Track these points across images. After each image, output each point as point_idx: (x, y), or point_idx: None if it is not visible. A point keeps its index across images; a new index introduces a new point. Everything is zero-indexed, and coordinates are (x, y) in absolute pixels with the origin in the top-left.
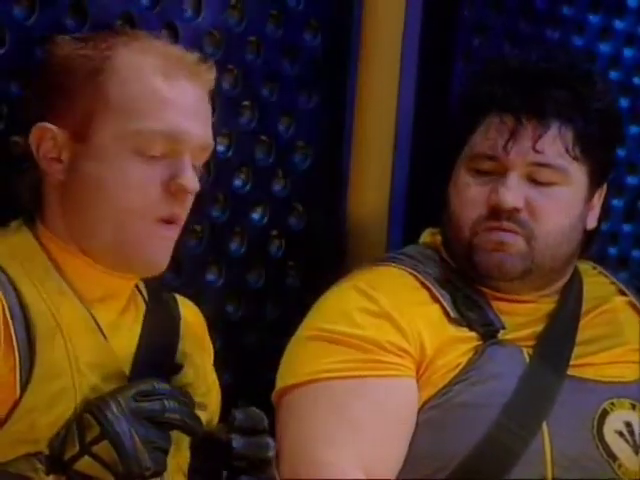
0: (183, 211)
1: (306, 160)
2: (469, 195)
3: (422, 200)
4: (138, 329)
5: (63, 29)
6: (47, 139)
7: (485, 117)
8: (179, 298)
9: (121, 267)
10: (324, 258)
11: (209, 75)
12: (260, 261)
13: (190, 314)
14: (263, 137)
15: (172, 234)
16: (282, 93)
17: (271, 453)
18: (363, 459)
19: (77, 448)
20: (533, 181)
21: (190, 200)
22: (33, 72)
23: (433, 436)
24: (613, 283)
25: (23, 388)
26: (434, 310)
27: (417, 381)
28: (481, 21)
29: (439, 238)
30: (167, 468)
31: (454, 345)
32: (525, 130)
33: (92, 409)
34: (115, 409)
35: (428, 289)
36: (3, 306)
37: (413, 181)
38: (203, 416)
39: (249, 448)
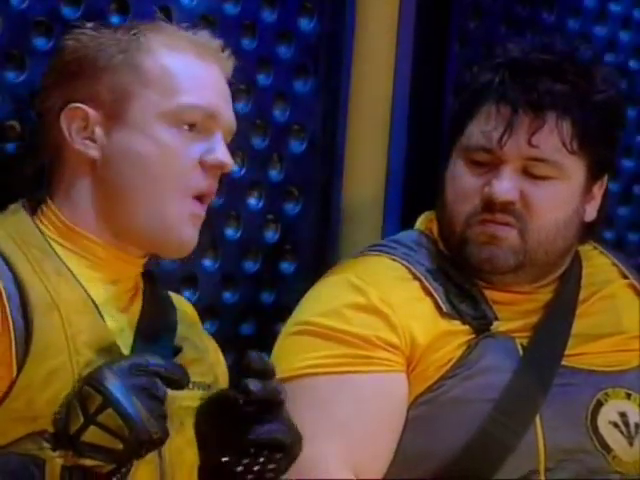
0: (213, 190)
1: (302, 144)
2: (463, 186)
3: (418, 184)
4: (138, 314)
5: (57, 13)
6: (78, 119)
7: (482, 106)
8: (171, 294)
9: (153, 246)
10: (320, 242)
11: (230, 62)
12: (256, 246)
13: (184, 306)
14: (258, 121)
15: (202, 213)
16: (277, 77)
17: (283, 396)
18: (349, 455)
19: (81, 420)
20: (528, 174)
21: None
22: (52, 62)
23: (425, 431)
24: (614, 264)
25: (20, 366)
26: (426, 304)
27: (408, 376)
28: (476, 4)
29: (435, 224)
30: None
31: (446, 339)
32: (521, 123)
33: (90, 380)
34: (112, 377)
35: (420, 281)
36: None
37: (409, 165)
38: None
39: (265, 391)
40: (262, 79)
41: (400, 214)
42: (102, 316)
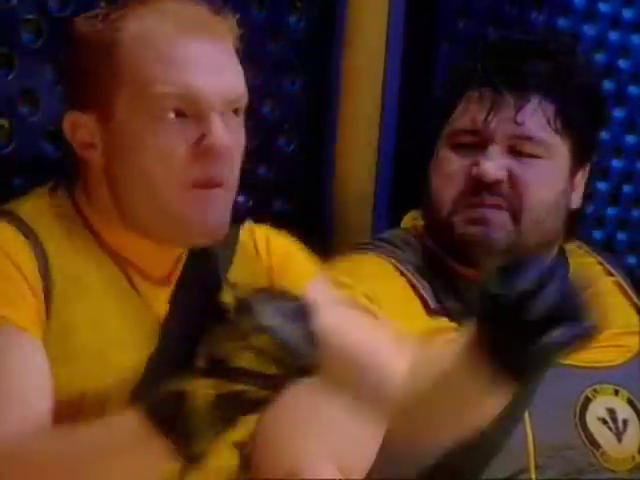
0: (223, 171)
1: (291, 144)
2: (449, 170)
3: (407, 184)
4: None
5: (46, 10)
6: (78, 127)
7: (465, 93)
8: (247, 224)
9: (172, 238)
10: (309, 242)
11: (227, 26)
12: None
13: (245, 235)
14: (247, 120)
15: (216, 196)
16: (266, 76)
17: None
18: (334, 454)
19: (233, 344)
20: (515, 153)
21: (231, 158)
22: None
23: None
24: (600, 263)
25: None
26: (413, 300)
27: None
28: (465, 4)
29: (420, 222)
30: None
31: (433, 336)
32: (506, 102)
33: (240, 304)
34: (264, 303)
35: (407, 278)
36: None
37: (398, 164)
38: None
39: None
40: (251, 78)
41: (389, 213)
42: (137, 290)
